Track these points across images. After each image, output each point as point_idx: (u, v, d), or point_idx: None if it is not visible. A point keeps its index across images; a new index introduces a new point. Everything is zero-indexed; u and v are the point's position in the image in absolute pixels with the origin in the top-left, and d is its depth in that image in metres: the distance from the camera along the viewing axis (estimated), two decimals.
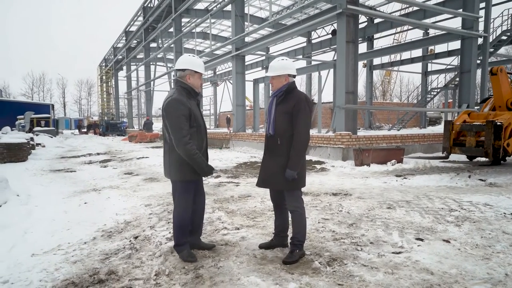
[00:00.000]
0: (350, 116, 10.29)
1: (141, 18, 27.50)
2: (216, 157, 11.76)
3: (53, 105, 39.88)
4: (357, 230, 3.88)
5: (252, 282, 2.66)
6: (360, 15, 17.81)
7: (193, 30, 20.37)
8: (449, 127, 7.67)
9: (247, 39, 18.90)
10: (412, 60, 25.44)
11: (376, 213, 4.60)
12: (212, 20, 24.66)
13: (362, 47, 26.46)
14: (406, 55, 30.46)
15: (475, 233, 3.73)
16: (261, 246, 3.38)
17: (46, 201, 5.72)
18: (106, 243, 3.68)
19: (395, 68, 34.61)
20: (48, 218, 4.70)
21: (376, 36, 24.80)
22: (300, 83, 59.64)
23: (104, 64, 43.73)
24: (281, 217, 3.34)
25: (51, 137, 23.04)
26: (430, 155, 9.16)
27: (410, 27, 24.01)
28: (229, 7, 16.04)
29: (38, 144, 16.69)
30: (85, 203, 5.57)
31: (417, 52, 26.29)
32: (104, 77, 42.82)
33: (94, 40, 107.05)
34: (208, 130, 3.32)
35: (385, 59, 28.94)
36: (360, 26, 23.03)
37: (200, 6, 22.28)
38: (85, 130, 42.48)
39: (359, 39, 23.95)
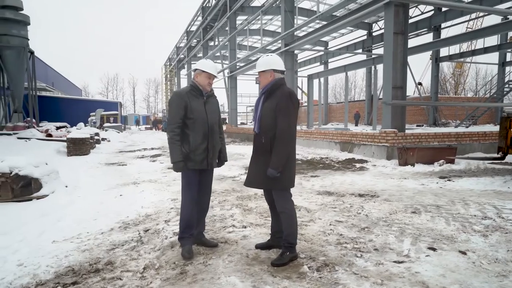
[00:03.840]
0: (397, 113, 9.64)
1: (200, 18, 28.51)
2: None
3: (121, 103, 43.14)
4: (367, 235, 3.66)
5: (230, 283, 2.65)
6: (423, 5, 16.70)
7: (246, 27, 20.56)
8: (506, 124, 6.83)
9: (300, 34, 18.63)
10: (485, 50, 23.05)
11: (396, 217, 4.29)
12: (270, 17, 24.76)
13: (428, 38, 24.73)
14: (479, 44, 27.73)
15: (502, 245, 3.31)
16: (257, 246, 3.35)
17: (89, 192, 6.22)
18: (119, 234, 3.91)
19: (467, 59, 31.60)
20: (83, 208, 5.12)
21: (444, 25, 22.93)
22: (363, 77, 57.66)
23: (168, 63, 46.22)
24: (276, 218, 3.27)
25: (118, 132, 25.01)
26: (483, 156, 8.24)
27: (486, 13, 21.60)
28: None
29: (104, 139, 18.18)
30: (121, 195, 5.97)
31: (492, 41, 23.74)
32: (168, 76, 45.24)
33: (163, 40, 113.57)
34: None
35: (454, 50, 26.66)
36: (426, 15, 21.57)
37: (257, 3, 22.45)
38: (144, 125, 45.45)
39: (425, 29, 22.56)
